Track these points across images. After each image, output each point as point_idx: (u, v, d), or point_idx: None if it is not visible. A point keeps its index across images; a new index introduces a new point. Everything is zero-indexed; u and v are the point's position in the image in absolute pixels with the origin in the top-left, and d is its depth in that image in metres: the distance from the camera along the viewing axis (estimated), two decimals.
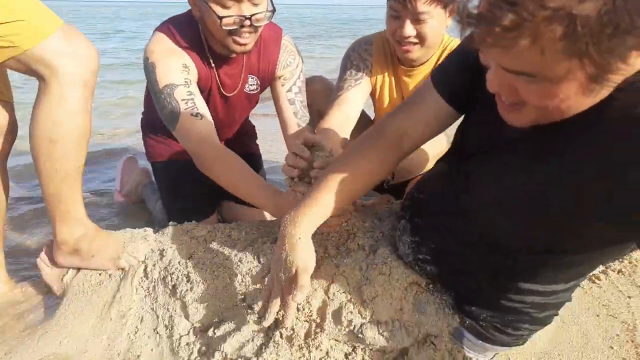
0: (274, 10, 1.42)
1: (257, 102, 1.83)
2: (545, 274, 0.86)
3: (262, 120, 3.21)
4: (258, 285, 1.09)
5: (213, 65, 1.55)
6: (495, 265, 0.89)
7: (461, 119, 1.01)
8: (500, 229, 0.84)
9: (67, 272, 1.32)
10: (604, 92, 0.64)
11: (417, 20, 1.40)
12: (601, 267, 1.36)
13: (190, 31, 1.50)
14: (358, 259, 1.06)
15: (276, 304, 0.96)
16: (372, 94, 1.73)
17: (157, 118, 1.55)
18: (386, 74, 1.67)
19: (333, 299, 1.02)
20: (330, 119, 1.54)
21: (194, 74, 1.49)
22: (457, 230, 0.93)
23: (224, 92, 1.63)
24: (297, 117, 1.67)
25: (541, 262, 0.85)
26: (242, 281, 1.11)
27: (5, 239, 1.83)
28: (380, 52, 1.66)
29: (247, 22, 1.36)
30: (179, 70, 1.42)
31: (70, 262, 1.30)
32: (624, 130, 0.65)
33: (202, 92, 1.53)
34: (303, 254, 0.92)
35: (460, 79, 0.93)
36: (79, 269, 1.31)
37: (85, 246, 1.27)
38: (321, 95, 1.77)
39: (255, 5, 1.36)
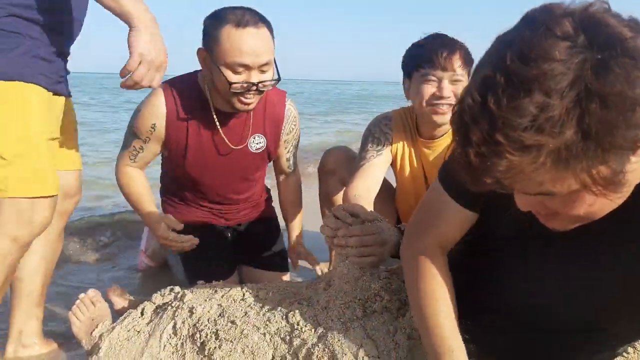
0: (279, 79, 1.60)
1: (266, 162, 1.93)
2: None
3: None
4: (287, 345, 1.10)
5: (217, 122, 1.70)
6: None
7: None
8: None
9: (96, 327, 1.35)
10: (630, 187, 0.66)
11: (453, 81, 1.56)
12: None
13: (195, 92, 1.69)
14: (386, 322, 1.08)
15: None
16: (393, 164, 1.82)
17: (173, 182, 1.80)
18: (406, 145, 1.77)
19: None
20: (353, 189, 1.62)
21: (159, 134, 1.70)
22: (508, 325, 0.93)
23: (230, 145, 1.74)
24: (289, 168, 1.98)
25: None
26: (271, 340, 1.12)
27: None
28: (399, 126, 1.77)
29: (254, 88, 1.54)
30: (147, 128, 1.68)
31: None
32: None
33: (202, 144, 1.73)
34: None
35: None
36: (107, 325, 1.34)
37: None
38: (344, 165, 1.87)
39: (263, 72, 1.54)
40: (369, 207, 1.55)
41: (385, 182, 1.86)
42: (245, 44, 1.47)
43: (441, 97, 1.56)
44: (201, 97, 1.69)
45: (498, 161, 0.58)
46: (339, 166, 1.89)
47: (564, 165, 0.57)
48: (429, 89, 1.58)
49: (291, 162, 1.98)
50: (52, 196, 1.29)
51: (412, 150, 1.77)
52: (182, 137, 1.71)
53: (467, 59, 1.58)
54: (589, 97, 0.54)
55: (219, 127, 1.70)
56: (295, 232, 2.03)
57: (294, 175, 2.04)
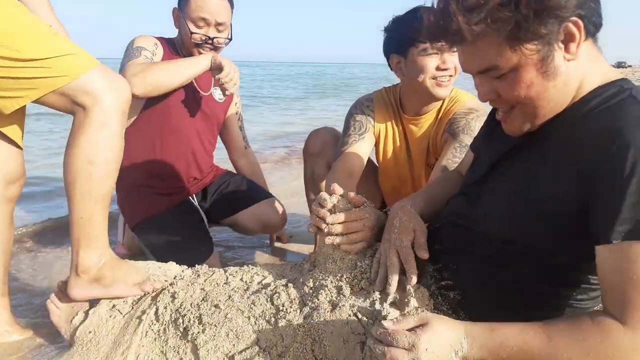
0: (230, 39, 1.93)
1: (221, 123, 2.11)
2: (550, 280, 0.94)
3: (276, 174, 3.28)
4: (271, 327, 1.08)
5: None
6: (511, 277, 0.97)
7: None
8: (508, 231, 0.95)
9: (76, 315, 1.32)
10: (566, 88, 0.85)
11: (452, 52, 1.53)
12: None
13: (173, 47, 1.95)
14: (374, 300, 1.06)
15: (395, 275, 1.03)
16: (376, 145, 1.79)
17: (129, 173, 1.80)
18: (390, 125, 1.74)
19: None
20: (335, 174, 1.61)
21: (160, 53, 1.88)
22: (475, 245, 1.00)
23: (197, 87, 1.95)
24: (245, 141, 2.25)
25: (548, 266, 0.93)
26: (256, 323, 1.10)
27: (17, 280, 1.84)
28: (381, 106, 1.74)
29: (210, 41, 1.86)
30: (151, 44, 1.86)
31: (89, 292, 1.30)
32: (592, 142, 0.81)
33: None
34: (418, 219, 1.11)
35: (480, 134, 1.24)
36: (86, 313, 1.30)
37: (109, 273, 1.29)
38: (330, 147, 1.84)
39: (220, 32, 1.87)
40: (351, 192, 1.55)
41: (370, 163, 1.84)
42: (207, 3, 1.81)
43: (445, 69, 1.55)
44: (177, 51, 1.95)
45: (450, 23, 0.81)
46: (326, 148, 1.86)
47: (502, 33, 0.79)
48: (432, 63, 1.55)
49: (244, 133, 2.25)
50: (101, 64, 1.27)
51: (397, 128, 1.75)
52: None
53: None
54: None
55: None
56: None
57: (250, 155, 2.30)
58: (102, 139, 1.23)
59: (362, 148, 1.69)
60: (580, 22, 0.80)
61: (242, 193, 2.09)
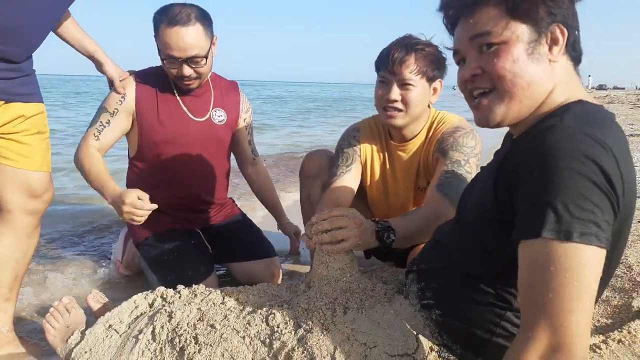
0: (209, 58, 1.80)
1: (228, 143, 2.07)
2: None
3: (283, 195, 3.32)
4: (266, 348, 1.10)
5: (179, 98, 1.90)
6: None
7: None
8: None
9: (72, 334, 1.33)
10: (542, 84, 0.90)
11: (402, 85, 1.54)
12: (601, 337, 1.38)
13: (161, 75, 1.89)
14: (365, 321, 1.08)
15: None
16: (363, 173, 1.82)
17: (143, 184, 1.78)
18: (375, 152, 1.79)
19: None
20: (323, 206, 1.65)
21: (128, 106, 1.85)
22: (454, 263, 1.05)
23: (191, 116, 1.92)
24: (253, 153, 2.21)
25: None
26: (251, 344, 1.12)
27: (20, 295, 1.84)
28: (368, 135, 1.79)
29: (186, 78, 1.78)
30: (115, 101, 1.83)
31: None
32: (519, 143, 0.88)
33: (172, 118, 1.89)
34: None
35: None
36: (83, 332, 1.32)
37: None
38: (325, 169, 1.88)
39: (195, 64, 1.75)
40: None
41: (362, 191, 1.87)
42: (172, 40, 1.68)
43: (388, 100, 1.57)
44: (166, 79, 1.89)
45: None
46: (321, 170, 1.89)
47: (504, 3, 0.89)
48: (381, 90, 1.59)
49: (253, 146, 2.21)
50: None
51: (385, 155, 1.78)
52: (152, 109, 1.86)
53: (424, 65, 1.54)
54: None
55: (180, 102, 1.90)
56: (280, 213, 2.35)
57: (259, 164, 2.27)
58: None
59: (350, 179, 1.74)
60: (566, 32, 0.89)
61: (244, 245, 2.06)
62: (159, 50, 1.75)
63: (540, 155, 0.79)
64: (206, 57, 1.75)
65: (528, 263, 0.79)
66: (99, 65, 1.83)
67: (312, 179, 1.92)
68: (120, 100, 1.82)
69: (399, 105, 1.56)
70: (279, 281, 2.05)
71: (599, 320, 1.43)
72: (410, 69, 1.52)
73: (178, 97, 1.90)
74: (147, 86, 1.87)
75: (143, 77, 1.89)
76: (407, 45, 1.53)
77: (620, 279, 1.72)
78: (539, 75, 0.90)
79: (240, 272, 2.04)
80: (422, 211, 1.48)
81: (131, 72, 1.91)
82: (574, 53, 0.93)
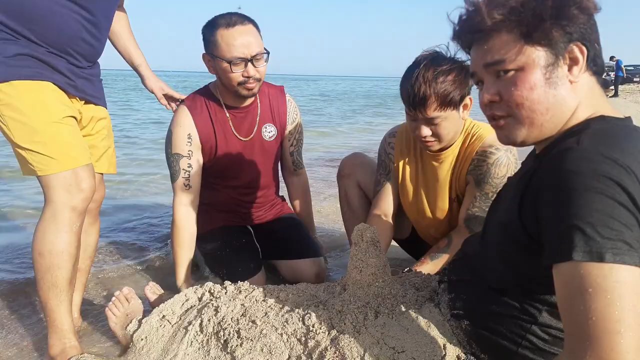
0: (268, 53, 1.81)
1: (278, 155, 2.15)
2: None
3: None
4: (302, 346, 1.18)
5: (227, 114, 1.95)
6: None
7: None
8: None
9: (130, 322, 1.47)
10: (564, 105, 0.90)
11: (431, 123, 1.54)
12: None
13: (211, 97, 1.95)
14: (395, 326, 1.14)
15: None
16: (395, 181, 1.87)
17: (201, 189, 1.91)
18: (409, 161, 1.81)
19: None
20: (373, 218, 1.81)
21: (196, 141, 1.91)
22: (479, 276, 1.07)
23: (239, 136, 1.98)
24: (294, 164, 2.22)
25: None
26: (288, 341, 1.20)
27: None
28: (402, 142, 1.82)
29: (252, 79, 1.80)
30: (184, 143, 1.88)
31: None
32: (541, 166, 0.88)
33: (227, 141, 1.96)
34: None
35: None
36: (140, 321, 1.45)
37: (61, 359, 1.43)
38: (358, 168, 2.03)
39: (258, 63, 1.79)
40: (388, 230, 1.80)
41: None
42: (237, 39, 1.72)
43: (419, 136, 1.58)
44: (216, 101, 1.94)
45: (474, 13, 0.92)
46: (354, 170, 2.02)
47: (518, 28, 0.88)
48: (412, 125, 1.60)
49: (295, 157, 2.21)
50: (86, 165, 1.47)
51: (416, 165, 1.80)
52: (211, 137, 1.93)
53: (448, 95, 1.48)
54: None
55: (230, 123, 1.95)
56: (310, 228, 2.31)
57: (301, 175, 2.28)
58: (48, 233, 1.41)
59: (390, 188, 1.84)
60: (585, 49, 0.88)
61: (292, 243, 2.14)
62: (216, 59, 1.77)
63: (560, 178, 0.79)
64: (265, 53, 1.80)
65: (563, 287, 0.78)
66: (142, 79, 1.96)
67: (346, 178, 2.05)
68: (189, 142, 1.87)
69: (431, 139, 1.58)
70: (324, 281, 2.12)
71: None
72: (434, 107, 1.49)
73: (228, 117, 1.95)
74: (201, 114, 1.91)
75: (194, 103, 1.93)
76: (425, 80, 1.46)
77: None
78: (559, 98, 0.89)
79: (286, 270, 2.13)
80: (450, 250, 1.64)
81: (182, 101, 1.97)
82: (595, 67, 0.92)
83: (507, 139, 0.96)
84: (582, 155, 0.79)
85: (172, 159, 1.88)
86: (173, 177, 1.88)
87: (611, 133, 0.84)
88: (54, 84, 1.45)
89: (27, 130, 1.39)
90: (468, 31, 0.96)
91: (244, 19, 1.76)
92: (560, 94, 0.89)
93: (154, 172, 4.74)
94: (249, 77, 1.78)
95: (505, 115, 0.94)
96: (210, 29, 1.77)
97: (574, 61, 0.89)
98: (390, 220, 1.82)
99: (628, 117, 0.93)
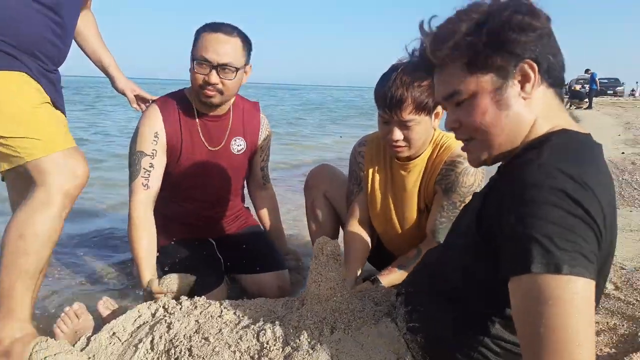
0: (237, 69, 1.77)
1: (245, 169, 2.13)
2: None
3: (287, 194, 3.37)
4: None
5: (198, 126, 1.92)
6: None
7: None
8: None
9: (79, 340, 1.39)
10: (519, 122, 0.91)
11: (404, 126, 1.53)
12: None
13: (183, 100, 1.91)
14: (351, 342, 1.10)
15: None
16: (365, 189, 1.86)
17: (161, 198, 1.85)
18: (378, 170, 1.81)
19: None
20: (348, 228, 1.83)
21: (162, 141, 1.86)
22: (437, 287, 1.06)
23: (206, 144, 1.94)
24: (264, 179, 2.23)
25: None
26: (240, 358, 1.15)
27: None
28: (372, 150, 1.82)
29: (210, 86, 1.76)
30: (150, 141, 1.82)
31: None
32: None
33: (193, 147, 1.92)
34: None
35: None
36: (89, 339, 1.37)
37: (19, 349, 1.29)
38: (323, 178, 2.04)
39: (224, 74, 1.75)
40: (369, 237, 1.82)
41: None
42: (210, 43, 1.71)
43: (390, 140, 1.57)
44: (188, 105, 1.91)
45: (422, 51, 0.97)
46: (319, 181, 2.03)
47: (462, 60, 0.91)
48: (384, 129, 1.59)
49: (265, 172, 2.23)
50: (74, 148, 1.42)
51: (385, 174, 1.79)
52: (178, 140, 1.89)
53: (423, 100, 1.49)
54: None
55: (199, 130, 1.92)
56: (281, 243, 2.30)
57: (269, 189, 2.29)
58: (38, 217, 1.33)
59: (363, 199, 1.84)
60: (535, 66, 0.89)
61: (255, 255, 2.09)
62: (192, 59, 1.76)
63: (518, 190, 0.80)
64: (237, 70, 1.76)
65: (521, 299, 0.77)
66: (111, 81, 1.90)
67: (312, 189, 2.05)
68: (155, 140, 1.83)
69: (402, 143, 1.57)
70: (286, 292, 2.07)
71: (601, 350, 1.40)
72: (409, 110, 1.49)
73: (198, 123, 1.92)
74: (171, 115, 1.88)
75: (166, 104, 1.90)
76: (402, 83, 1.47)
77: (632, 306, 1.67)
78: (513, 117, 0.91)
79: (249, 283, 2.08)
80: (415, 261, 1.62)
81: (153, 101, 1.94)
82: (551, 80, 0.93)
83: (474, 161, 1.01)
84: (541, 169, 0.80)
85: (134, 157, 1.82)
86: (132, 176, 1.82)
87: (572, 148, 0.86)
88: (28, 74, 1.39)
89: (3, 118, 1.31)
90: (421, 68, 1.02)
91: (233, 30, 1.76)
92: (515, 112, 0.91)
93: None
94: (209, 84, 1.75)
95: (468, 138, 0.98)
96: (200, 30, 1.78)
97: (525, 78, 0.90)
98: (368, 229, 1.82)
99: (588, 133, 0.94)
